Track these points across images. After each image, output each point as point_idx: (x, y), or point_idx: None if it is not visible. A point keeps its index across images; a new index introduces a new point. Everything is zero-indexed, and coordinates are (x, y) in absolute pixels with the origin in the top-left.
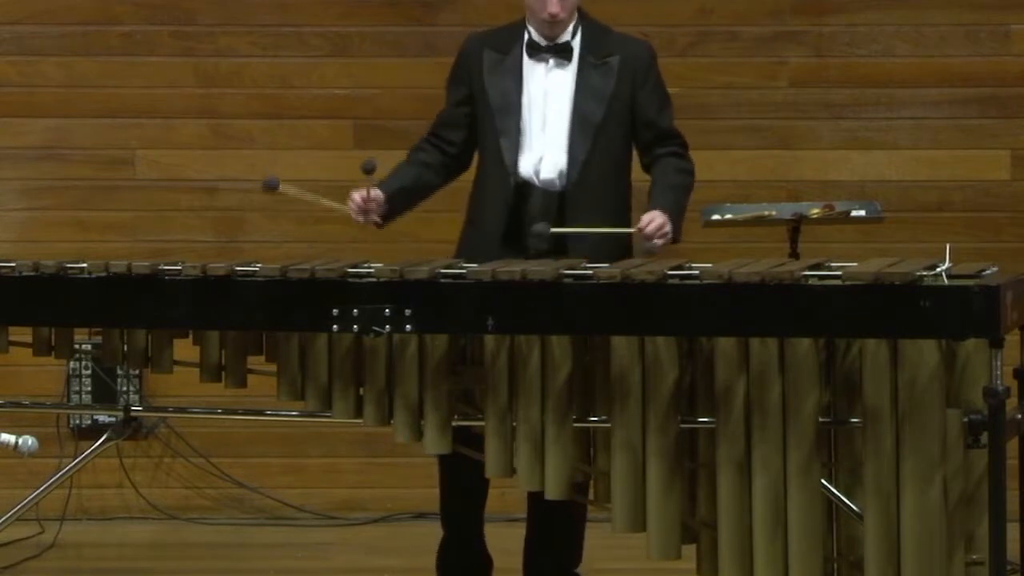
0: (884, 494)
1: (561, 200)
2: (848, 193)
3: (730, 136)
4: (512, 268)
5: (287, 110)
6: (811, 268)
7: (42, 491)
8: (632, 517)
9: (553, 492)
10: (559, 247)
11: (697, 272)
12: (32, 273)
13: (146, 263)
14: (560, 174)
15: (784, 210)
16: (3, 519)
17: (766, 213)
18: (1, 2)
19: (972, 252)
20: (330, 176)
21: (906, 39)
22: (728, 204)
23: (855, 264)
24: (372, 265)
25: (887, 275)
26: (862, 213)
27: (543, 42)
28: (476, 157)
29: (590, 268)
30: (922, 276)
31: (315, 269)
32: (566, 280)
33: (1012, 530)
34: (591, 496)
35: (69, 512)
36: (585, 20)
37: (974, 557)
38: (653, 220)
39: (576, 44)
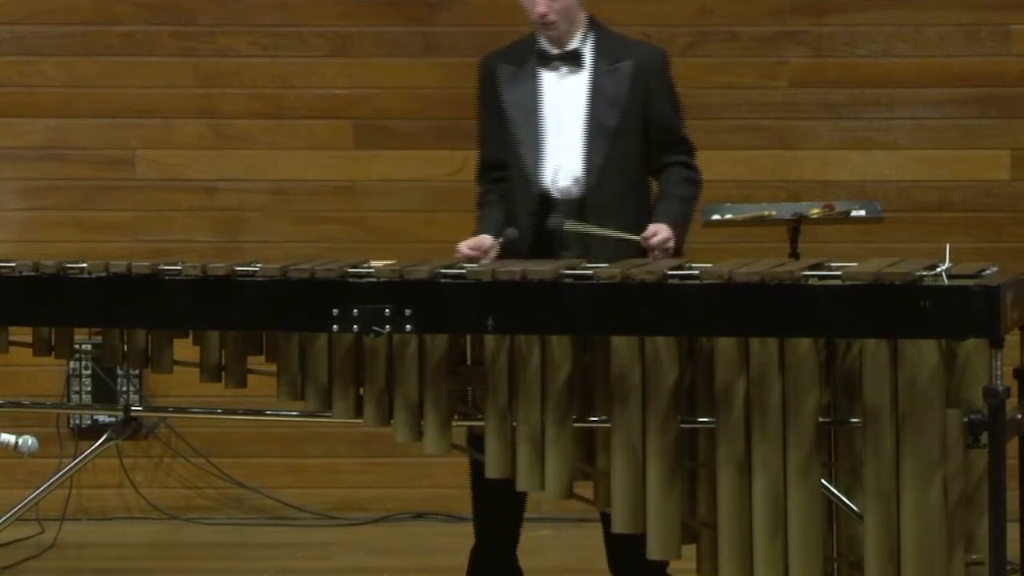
0: (884, 494)
1: (581, 207)
2: (848, 193)
3: (730, 136)
4: (512, 268)
5: (287, 110)
6: (811, 268)
7: (42, 491)
8: (632, 517)
9: (553, 492)
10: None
11: (697, 272)
12: (32, 273)
13: (146, 263)
14: (576, 181)
15: (784, 210)
16: (3, 519)
17: (766, 213)
18: (1, 2)
19: (972, 252)
20: (330, 176)
21: (906, 39)
22: (728, 204)
23: (855, 264)
24: (372, 265)
25: (887, 275)
26: (862, 213)
27: (553, 50)
28: None
29: (590, 268)
30: (922, 276)
31: (315, 269)
32: (566, 280)
33: (1012, 530)
34: (591, 496)
35: (69, 512)
36: (596, 27)
37: (974, 557)
38: (658, 232)
39: (587, 50)
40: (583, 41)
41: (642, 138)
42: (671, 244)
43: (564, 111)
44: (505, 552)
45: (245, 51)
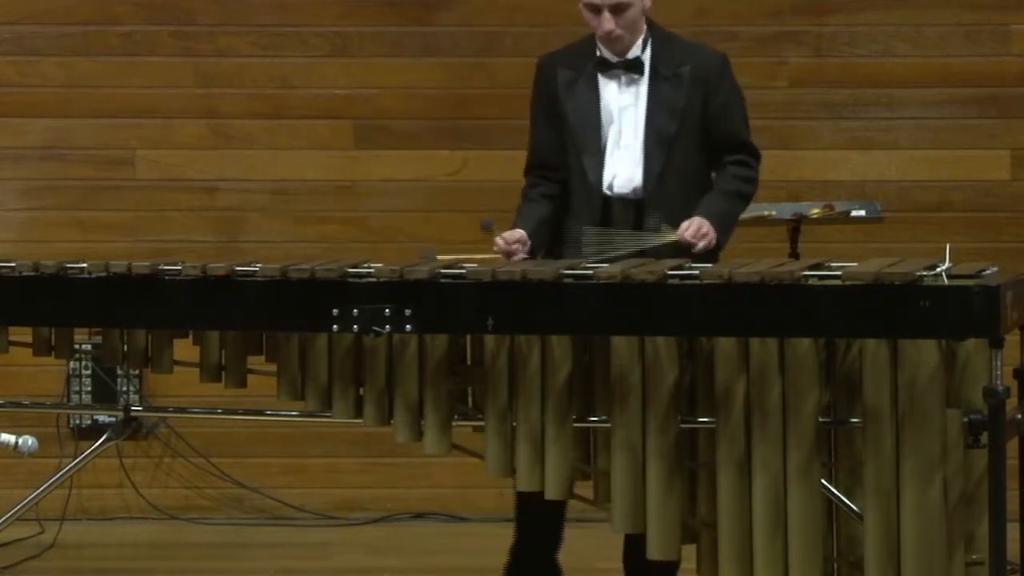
0: (884, 494)
1: (639, 215)
2: (848, 193)
3: None
4: (512, 268)
5: (287, 110)
6: (811, 268)
7: (42, 491)
8: (632, 517)
9: (553, 492)
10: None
11: (697, 272)
12: (32, 273)
13: (146, 263)
14: (635, 190)
15: (784, 210)
16: (3, 519)
17: (766, 213)
18: (1, 2)
19: (972, 252)
20: (330, 176)
21: (906, 39)
22: None
23: (855, 264)
24: (372, 265)
25: (887, 275)
26: (862, 213)
27: (613, 58)
28: None
29: (590, 268)
30: (922, 276)
31: (315, 269)
32: (566, 280)
33: (1012, 530)
34: (591, 496)
35: (69, 512)
36: (654, 31)
37: (974, 557)
38: (691, 224)
39: (647, 57)
40: (643, 49)
41: (701, 144)
42: (708, 233)
43: (624, 120)
44: (545, 553)
45: (245, 51)
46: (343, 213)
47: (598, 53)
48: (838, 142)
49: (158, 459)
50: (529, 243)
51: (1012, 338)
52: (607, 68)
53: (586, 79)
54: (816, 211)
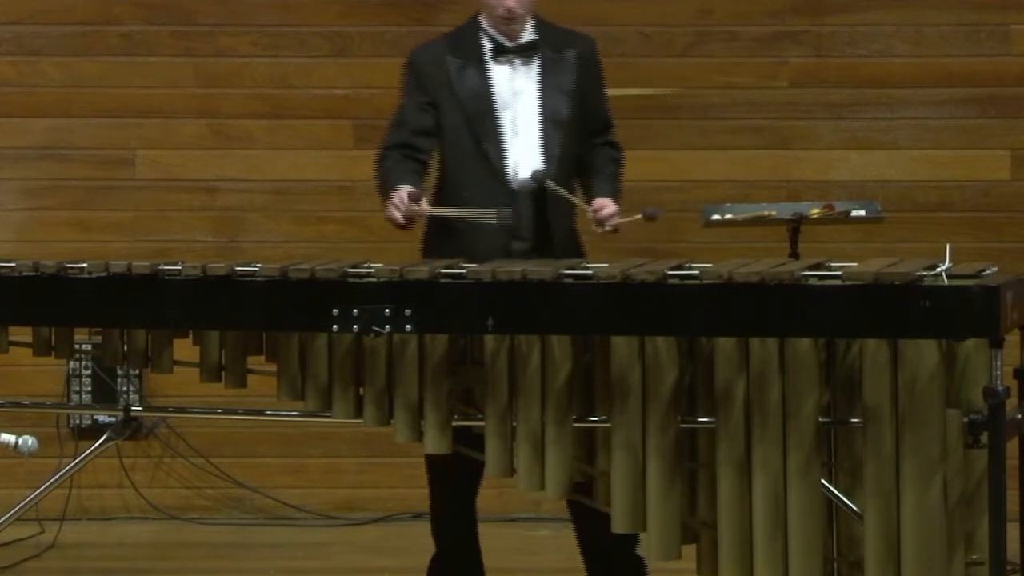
0: (884, 494)
1: (542, 199)
2: (848, 193)
3: (730, 136)
4: (512, 268)
5: (287, 110)
6: (811, 268)
7: (42, 491)
8: (632, 517)
9: (553, 492)
10: (544, 246)
11: (697, 272)
12: (32, 273)
13: (146, 263)
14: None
15: (784, 210)
16: (3, 519)
17: (766, 213)
18: (1, 2)
19: (972, 252)
20: (330, 176)
21: (906, 39)
22: (728, 204)
23: (855, 264)
24: (372, 265)
25: (887, 275)
26: (862, 213)
27: (506, 43)
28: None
29: (590, 268)
30: (922, 276)
31: (315, 269)
32: (566, 280)
33: (1012, 530)
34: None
35: (69, 512)
36: (537, 18)
37: (974, 557)
38: (606, 207)
39: (535, 41)
40: (532, 32)
41: (583, 127)
42: (616, 221)
43: (519, 104)
44: (470, 552)
45: (245, 51)
46: (343, 213)
47: (486, 42)
48: (838, 142)
49: (158, 459)
50: (422, 195)
51: (1012, 338)
52: (501, 53)
53: (475, 66)
54: (816, 211)
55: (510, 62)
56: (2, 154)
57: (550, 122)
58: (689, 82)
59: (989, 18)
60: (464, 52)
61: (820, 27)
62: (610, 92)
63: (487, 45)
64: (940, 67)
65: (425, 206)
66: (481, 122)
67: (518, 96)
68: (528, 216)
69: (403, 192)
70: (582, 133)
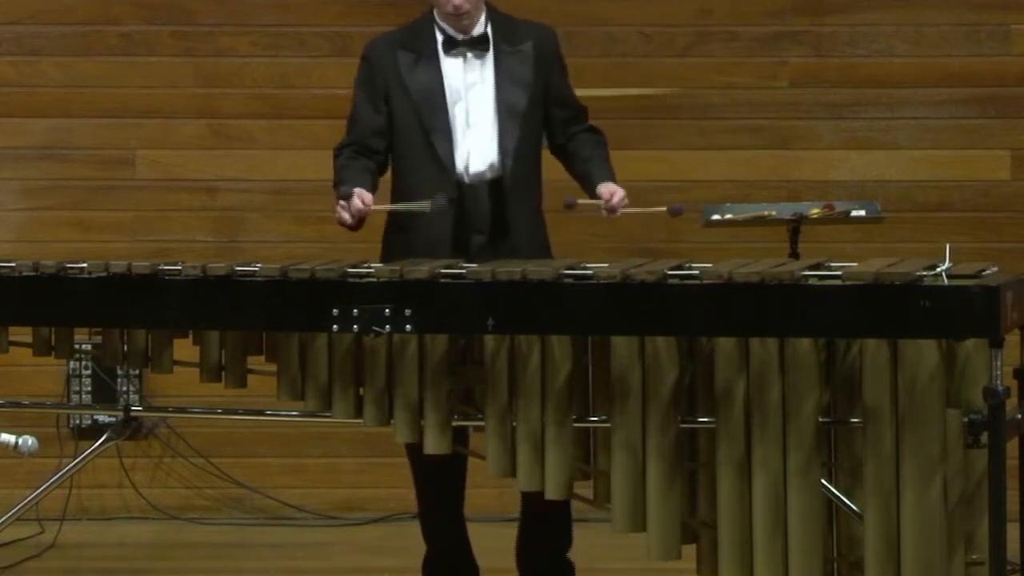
0: (884, 494)
1: (498, 191)
2: (848, 193)
3: (730, 136)
4: (512, 268)
5: (287, 110)
6: (811, 268)
7: (42, 491)
8: (632, 517)
9: (553, 492)
10: (502, 240)
11: (697, 272)
12: (32, 273)
13: (146, 263)
14: (491, 167)
15: (784, 210)
16: (3, 519)
17: (766, 213)
18: (1, 2)
19: (972, 252)
20: (330, 176)
21: (906, 39)
22: (728, 204)
23: (855, 264)
24: (372, 265)
25: (887, 275)
26: (862, 213)
27: (459, 36)
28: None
29: (590, 268)
30: (922, 276)
31: (315, 269)
32: (566, 280)
33: (1012, 530)
34: (591, 496)
35: (69, 512)
36: (491, 10)
37: (974, 557)
38: (614, 194)
39: (490, 34)
40: (485, 25)
41: (541, 119)
42: (626, 202)
43: (472, 97)
44: (460, 550)
45: (245, 51)
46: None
47: (439, 34)
48: (838, 142)
49: (158, 459)
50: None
51: (1012, 338)
52: (453, 47)
53: (427, 60)
54: (816, 211)
55: (463, 55)
56: (2, 154)
57: (506, 114)
58: (689, 82)
59: (989, 18)
60: (416, 46)
61: (820, 27)
62: (610, 92)
63: (439, 39)
64: (940, 67)
65: (367, 203)
66: (431, 116)
67: (471, 89)
68: (484, 210)
69: (350, 192)
70: (540, 126)
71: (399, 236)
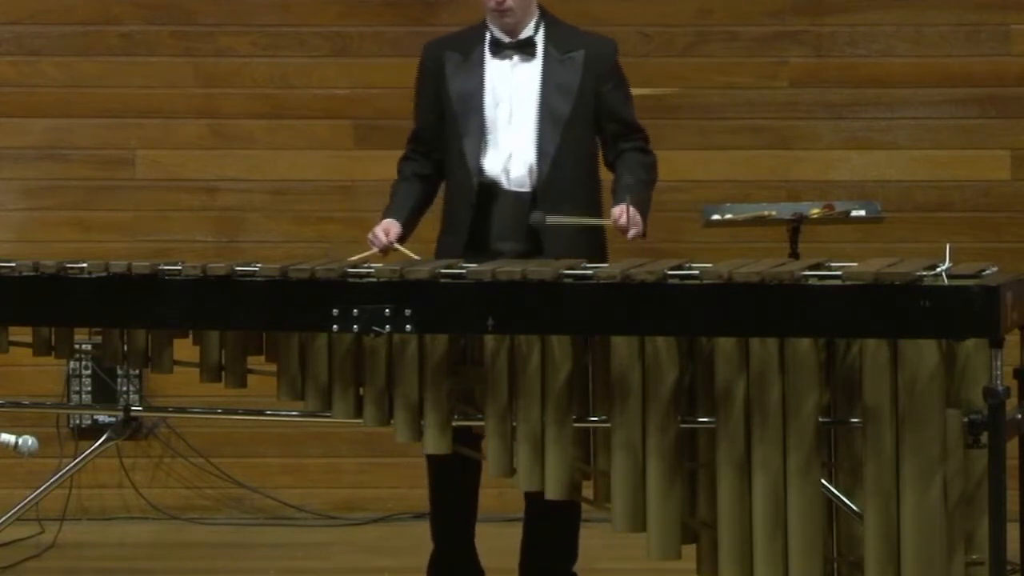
0: (884, 494)
1: (532, 198)
2: (848, 193)
3: (730, 136)
4: (512, 268)
5: (287, 110)
6: (811, 268)
7: (42, 491)
8: (632, 517)
9: (553, 492)
10: (534, 247)
11: (697, 272)
12: (32, 273)
13: (146, 263)
14: (530, 170)
15: (784, 210)
16: (3, 519)
17: (766, 213)
18: (1, 2)
19: (972, 252)
20: (330, 176)
21: (906, 39)
22: (728, 204)
23: (855, 264)
24: (372, 265)
25: (887, 275)
26: (862, 213)
27: (506, 39)
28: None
29: (590, 268)
30: (922, 276)
31: (315, 269)
32: (566, 280)
33: (1012, 530)
34: (591, 496)
35: (69, 512)
36: (547, 17)
37: (974, 557)
38: (624, 211)
39: (539, 39)
40: (535, 30)
41: (593, 129)
42: (639, 221)
43: (516, 100)
44: (467, 552)
45: (245, 51)
46: (343, 213)
47: (488, 35)
48: (838, 142)
49: (158, 459)
50: (400, 233)
51: (1012, 338)
52: (499, 49)
53: (474, 61)
54: (816, 211)
55: (508, 57)
56: (2, 154)
57: (548, 119)
58: (689, 82)
59: (989, 18)
60: (465, 47)
61: (820, 27)
62: None
63: (487, 40)
64: (940, 67)
65: (389, 237)
66: (464, 119)
67: (515, 91)
68: (521, 216)
69: (383, 228)
70: (591, 136)
71: (444, 239)
